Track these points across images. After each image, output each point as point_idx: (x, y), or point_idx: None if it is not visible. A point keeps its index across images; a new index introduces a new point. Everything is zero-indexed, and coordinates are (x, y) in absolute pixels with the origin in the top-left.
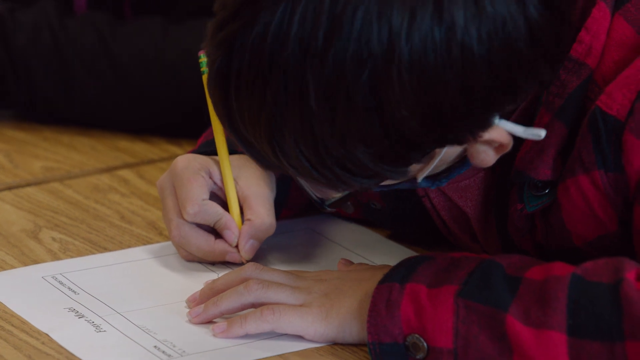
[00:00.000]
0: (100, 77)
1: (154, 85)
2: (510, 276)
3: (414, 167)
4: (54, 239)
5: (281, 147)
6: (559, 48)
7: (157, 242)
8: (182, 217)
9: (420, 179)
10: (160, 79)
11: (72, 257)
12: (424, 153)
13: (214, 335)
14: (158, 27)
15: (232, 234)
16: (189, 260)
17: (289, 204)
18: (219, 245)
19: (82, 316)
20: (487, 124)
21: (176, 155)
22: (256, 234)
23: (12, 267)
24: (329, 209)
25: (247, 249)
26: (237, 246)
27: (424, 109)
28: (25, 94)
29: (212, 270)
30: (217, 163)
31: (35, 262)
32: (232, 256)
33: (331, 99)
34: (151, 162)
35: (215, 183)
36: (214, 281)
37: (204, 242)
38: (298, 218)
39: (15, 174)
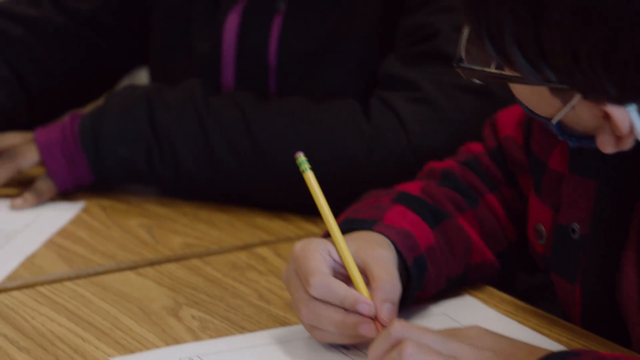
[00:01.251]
0: (241, 154)
1: (293, 164)
2: None
3: (551, 103)
4: (193, 317)
5: None
6: None
7: (295, 323)
8: (308, 294)
9: (554, 120)
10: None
11: (211, 336)
12: (554, 78)
13: None
14: (298, 107)
15: (366, 306)
16: (324, 342)
17: (425, 288)
18: (351, 316)
19: None
20: (613, 100)
21: (312, 234)
22: (388, 297)
23: (154, 345)
24: (459, 68)
25: (386, 313)
26: (372, 317)
27: (571, 31)
28: (169, 170)
29: (346, 354)
30: (333, 242)
31: (176, 340)
32: (365, 327)
33: None
34: (288, 240)
35: (335, 261)
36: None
37: (335, 314)
38: (434, 303)
39: (157, 250)
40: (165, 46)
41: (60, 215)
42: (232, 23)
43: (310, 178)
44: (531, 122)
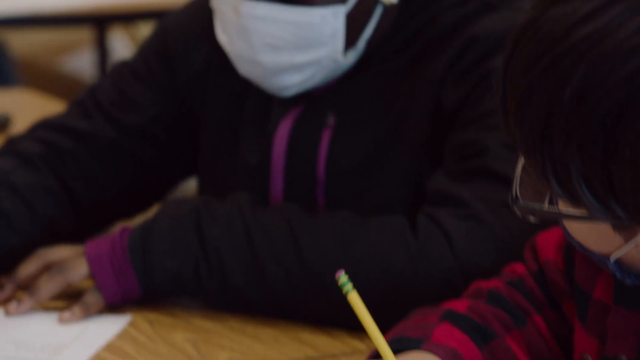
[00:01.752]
0: (287, 268)
1: None
2: None
3: (612, 240)
4: None
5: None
6: None
7: None
8: None
9: (613, 258)
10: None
11: None
12: (623, 214)
13: None
14: (346, 222)
15: None
16: None
17: None
18: None
19: None
20: None
21: (358, 350)
22: None
23: None
24: (516, 207)
25: None
26: None
27: None
28: (216, 283)
29: None
30: None
31: None
32: None
33: (582, 94)
34: (333, 356)
35: None
36: None
37: None
38: None
39: None
40: (214, 157)
41: (106, 328)
42: (282, 134)
43: (355, 299)
44: (572, 248)
